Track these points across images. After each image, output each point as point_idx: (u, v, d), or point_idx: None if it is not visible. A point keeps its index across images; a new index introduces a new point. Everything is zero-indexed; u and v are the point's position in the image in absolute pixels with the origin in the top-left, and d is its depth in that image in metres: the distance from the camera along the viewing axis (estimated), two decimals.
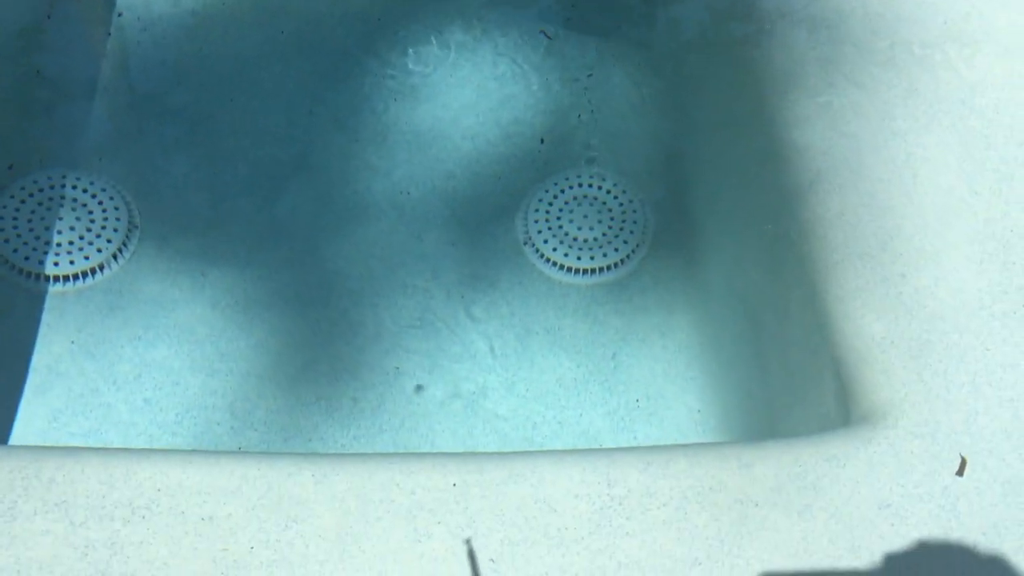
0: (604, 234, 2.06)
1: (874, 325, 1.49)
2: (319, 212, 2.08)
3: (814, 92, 1.73)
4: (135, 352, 1.88)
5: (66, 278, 1.94)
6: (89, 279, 1.94)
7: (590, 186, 2.12)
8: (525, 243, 2.06)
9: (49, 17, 2.21)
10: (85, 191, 2.02)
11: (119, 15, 2.25)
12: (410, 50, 2.26)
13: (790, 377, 1.72)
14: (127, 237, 1.99)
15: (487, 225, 2.08)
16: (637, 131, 2.20)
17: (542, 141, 2.17)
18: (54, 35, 2.21)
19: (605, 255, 2.04)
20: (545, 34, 2.29)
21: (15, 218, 1.97)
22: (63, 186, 2.02)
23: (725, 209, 2.02)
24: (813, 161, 1.67)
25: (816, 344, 1.58)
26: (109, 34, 2.23)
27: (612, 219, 2.08)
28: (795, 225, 1.66)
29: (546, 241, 2.05)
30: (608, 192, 2.11)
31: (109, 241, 1.97)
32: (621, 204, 2.10)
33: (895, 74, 1.72)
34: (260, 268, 2.01)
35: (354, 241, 2.05)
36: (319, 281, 2.01)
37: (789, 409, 1.71)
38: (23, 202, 1.99)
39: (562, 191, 2.11)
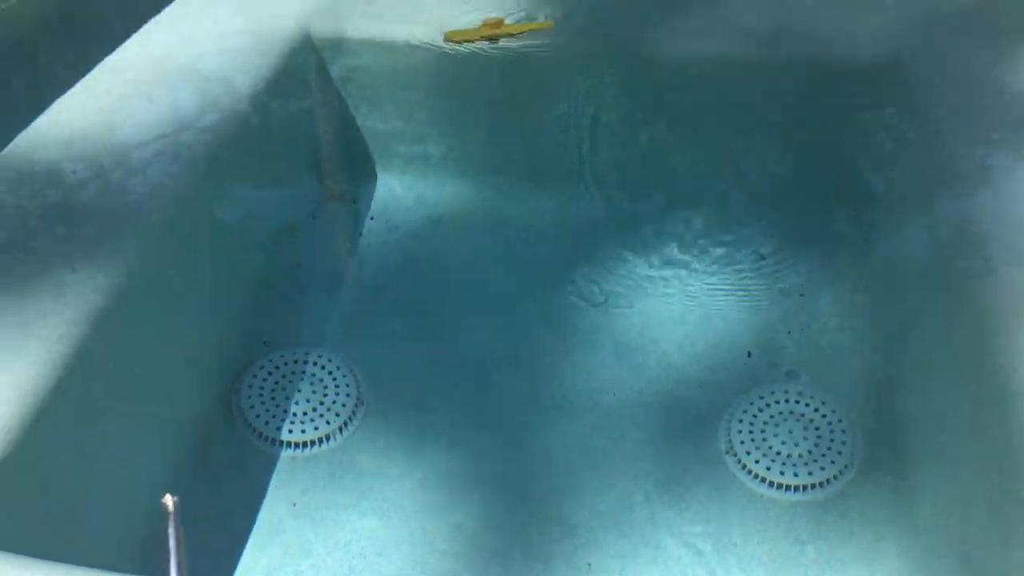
0: (810, 451, 2.03)
1: None
2: (525, 404, 2.18)
3: None
4: (348, 520, 2.00)
5: (297, 444, 2.12)
6: (316, 447, 2.12)
7: (797, 402, 2.11)
8: (727, 452, 2.06)
9: (314, 217, 2.55)
10: (323, 368, 2.23)
11: (371, 218, 2.55)
12: (626, 262, 2.41)
13: None
14: (353, 412, 2.17)
15: (689, 431, 2.10)
16: (848, 354, 2.19)
17: (749, 354, 2.21)
18: (315, 232, 2.53)
19: (810, 473, 2.00)
20: (759, 253, 2.37)
21: (262, 388, 2.20)
22: (305, 362, 2.24)
23: (940, 445, 1.94)
24: None
25: None
26: (360, 234, 2.53)
27: (819, 437, 2.05)
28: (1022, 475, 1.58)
29: (749, 452, 2.04)
30: (816, 410, 2.09)
31: (337, 415, 2.15)
32: (829, 423, 2.07)
33: None
34: (467, 452, 2.11)
35: (556, 435, 2.12)
36: (520, 470, 2.08)
37: None
38: (270, 374, 2.22)
39: (767, 404, 2.11)
